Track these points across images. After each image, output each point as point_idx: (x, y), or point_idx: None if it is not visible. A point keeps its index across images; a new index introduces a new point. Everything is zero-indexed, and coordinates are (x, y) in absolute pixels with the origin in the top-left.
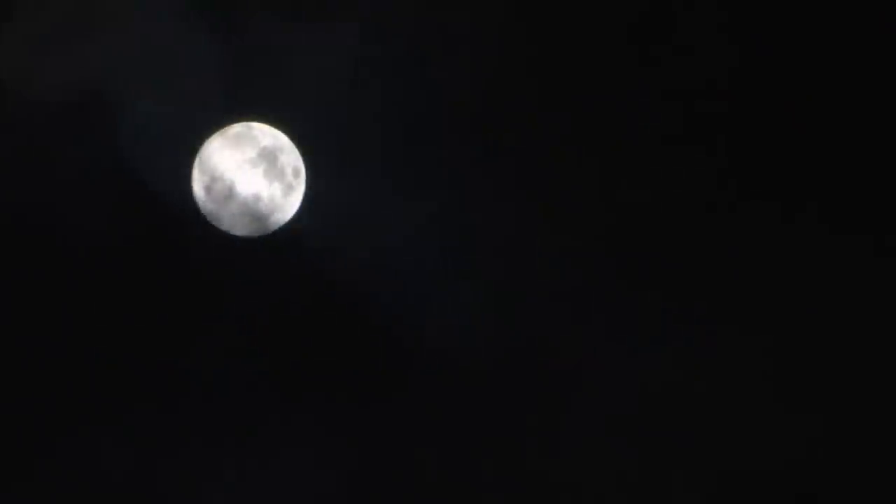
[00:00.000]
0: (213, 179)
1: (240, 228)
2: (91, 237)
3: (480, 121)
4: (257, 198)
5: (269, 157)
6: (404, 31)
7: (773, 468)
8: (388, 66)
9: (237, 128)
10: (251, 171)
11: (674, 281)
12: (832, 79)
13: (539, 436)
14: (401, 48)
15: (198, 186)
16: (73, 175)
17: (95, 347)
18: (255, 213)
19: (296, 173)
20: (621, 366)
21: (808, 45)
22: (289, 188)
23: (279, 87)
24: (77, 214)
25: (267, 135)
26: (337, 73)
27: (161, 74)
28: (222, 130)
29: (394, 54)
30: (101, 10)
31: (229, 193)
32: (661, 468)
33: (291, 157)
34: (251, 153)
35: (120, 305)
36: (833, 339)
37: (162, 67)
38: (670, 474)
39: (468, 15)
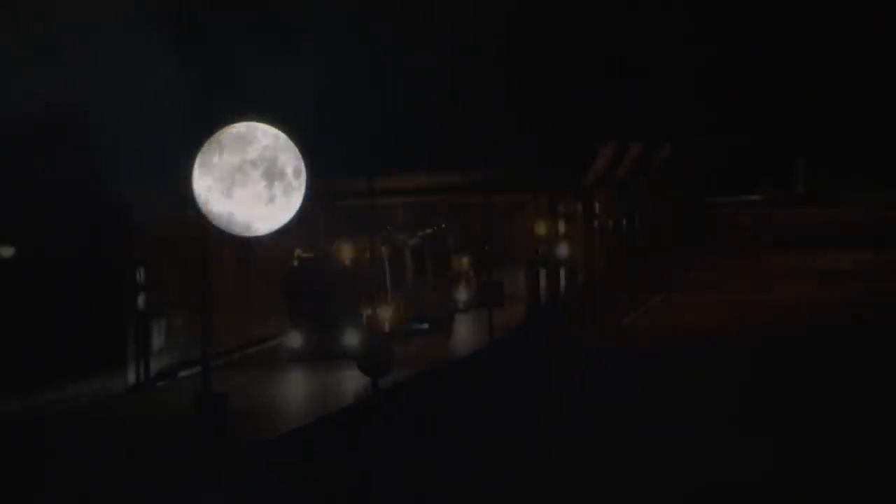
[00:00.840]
0: (213, 181)
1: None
2: (90, 237)
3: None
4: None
5: (269, 158)
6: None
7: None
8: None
9: (237, 128)
10: (251, 172)
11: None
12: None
13: (538, 436)
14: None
15: (198, 186)
16: (71, 176)
17: (96, 347)
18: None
19: (296, 173)
20: (621, 365)
21: None
22: (288, 188)
23: (277, 88)
24: (74, 216)
25: (268, 135)
26: (331, 76)
27: (160, 75)
28: (222, 130)
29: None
30: (93, 19)
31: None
32: (660, 467)
33: (291, 157)
34: (252, 154)
35: (120, 305)
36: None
37: (160, 70)
38: (668, 473)
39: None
